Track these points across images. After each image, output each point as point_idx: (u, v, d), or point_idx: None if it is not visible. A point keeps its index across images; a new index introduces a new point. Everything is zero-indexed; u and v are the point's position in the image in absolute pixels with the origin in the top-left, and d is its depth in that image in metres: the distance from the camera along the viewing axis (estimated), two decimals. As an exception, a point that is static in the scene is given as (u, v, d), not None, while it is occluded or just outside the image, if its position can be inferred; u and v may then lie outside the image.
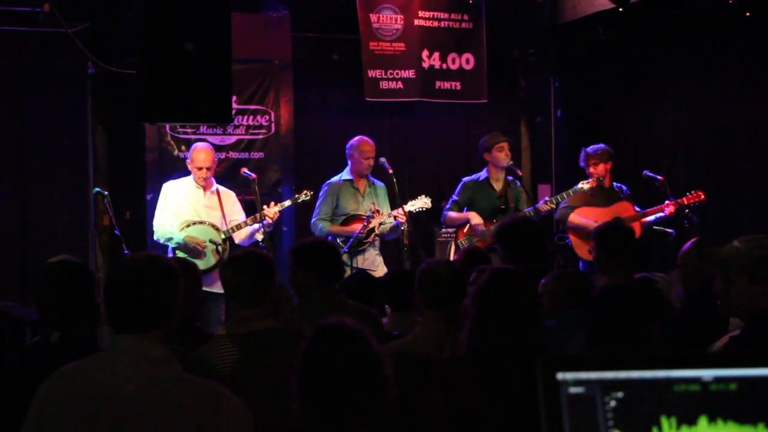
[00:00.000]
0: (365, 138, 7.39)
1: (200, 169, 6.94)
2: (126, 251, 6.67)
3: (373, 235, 7.19)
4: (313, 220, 7.33)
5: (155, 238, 7.02)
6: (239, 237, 7.01)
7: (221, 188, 7.11)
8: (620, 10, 7.34)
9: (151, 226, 7.09)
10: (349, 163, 7.37)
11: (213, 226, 6.93)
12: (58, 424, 2.46)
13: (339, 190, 7.31)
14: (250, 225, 6.99)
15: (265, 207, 6.96)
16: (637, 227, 7.00)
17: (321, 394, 2.34)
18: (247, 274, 3.45)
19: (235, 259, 3.59)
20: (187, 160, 7.11)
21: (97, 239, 7.93)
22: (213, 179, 7.08)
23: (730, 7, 7.11)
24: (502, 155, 7.46)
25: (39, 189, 7.87)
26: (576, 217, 7.20)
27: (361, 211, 7.25)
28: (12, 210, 7.79)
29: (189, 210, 6.96)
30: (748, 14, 7.17)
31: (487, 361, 3.01)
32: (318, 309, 3.88)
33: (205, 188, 7.01)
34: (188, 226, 6.90)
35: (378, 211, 7.17)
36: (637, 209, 7.19)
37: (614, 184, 7.36)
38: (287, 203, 7.21)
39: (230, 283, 3.49)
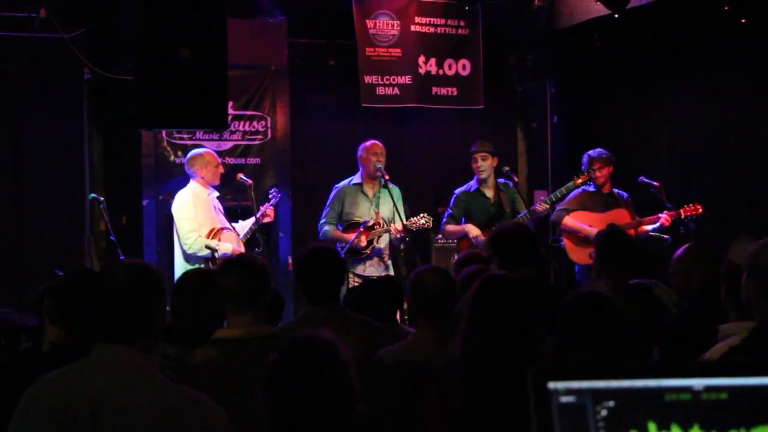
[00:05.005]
0: (377, 141, 7.34)
1: (217, 166, 6.89)
2: (122, 257, 6.67)
3: (371, 248, 7.15)
4: (320, 221, 7.30)
5: (192, 251, 6.68)
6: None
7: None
8: (616, 16, 7.35)
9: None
10: (360, 167, 7.31)
11: (233, 230, 6.91)
12: None
13: (345, 195, 7.26)
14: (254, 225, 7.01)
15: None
16: (631, 235, 6.98)
17: (286, 405, 2.30)
18: (246, 278, 3.38)
19: (233, 262, 3.51)
20: (194, 167, 6.90)
21: (93, 245, 7.93)
22: None
23: (726, 13, 7.12)
24: (475, 166, 7.40)
25: (35, 194, 7.85)
26: (570, 221, 7.15)
27: (369, 216, 7.17)
28: (8, 215, 7.77)
29: (207, 218, 6.82)
30: (743, 21, 7.18)
31: (480, 366, 3.01)
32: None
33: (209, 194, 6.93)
34: (214, 233, 6.77)
35: (379, 223, 7.13)
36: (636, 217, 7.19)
37: (614, 190, 7.33)
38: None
39: (229, 286, 3.39)
